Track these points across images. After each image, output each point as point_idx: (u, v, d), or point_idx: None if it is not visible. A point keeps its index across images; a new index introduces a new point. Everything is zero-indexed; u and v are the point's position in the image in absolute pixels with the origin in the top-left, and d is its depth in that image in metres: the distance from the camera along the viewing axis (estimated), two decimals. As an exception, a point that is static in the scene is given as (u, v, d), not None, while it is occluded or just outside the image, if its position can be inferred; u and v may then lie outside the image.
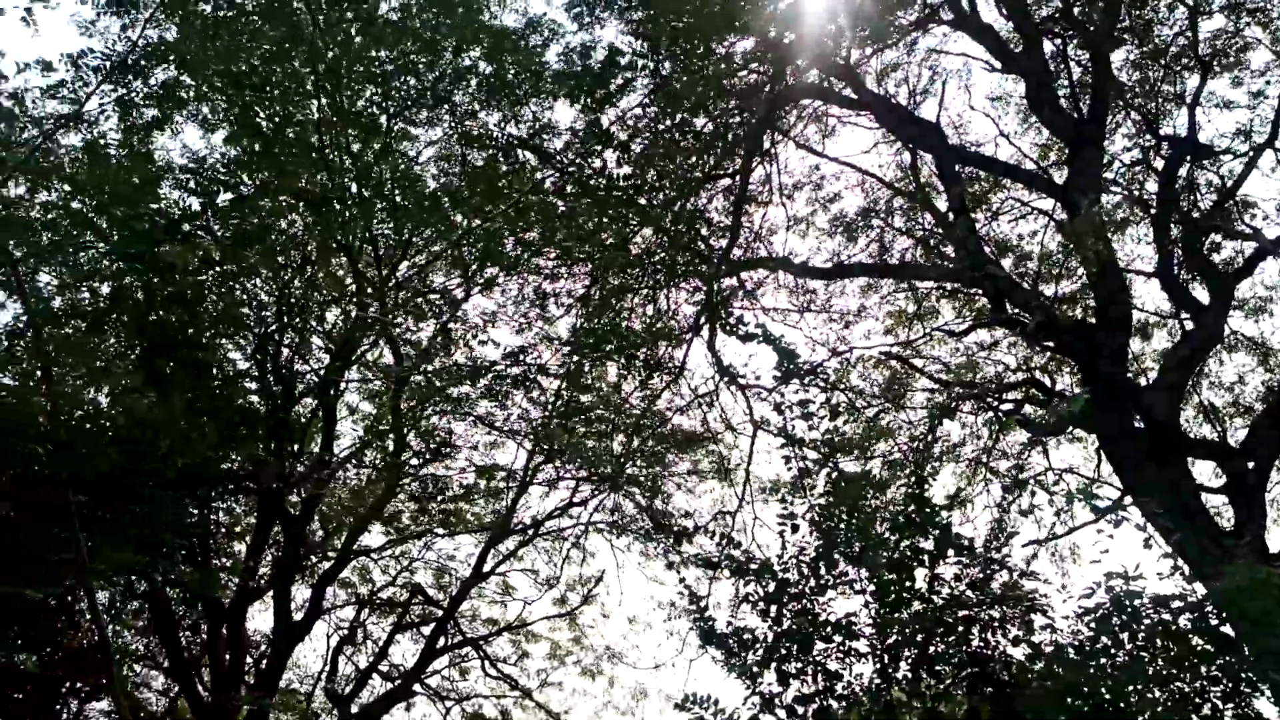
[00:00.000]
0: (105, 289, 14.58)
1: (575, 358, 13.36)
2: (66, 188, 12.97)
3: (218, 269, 13.33)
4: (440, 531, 17.79)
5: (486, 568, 17.68)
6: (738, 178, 13.69)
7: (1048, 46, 13.62)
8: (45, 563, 11.12)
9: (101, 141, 12.40)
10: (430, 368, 15.32)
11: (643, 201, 12.96)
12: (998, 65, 13.97)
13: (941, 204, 14.65)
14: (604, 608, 18.82)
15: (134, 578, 14.67)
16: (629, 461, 15.79)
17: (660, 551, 17.46)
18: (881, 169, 15.89)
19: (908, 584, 6.77)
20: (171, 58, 9.64)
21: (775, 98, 12.98)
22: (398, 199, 15.13)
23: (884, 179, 15.57)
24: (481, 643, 18.39)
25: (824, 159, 15.46)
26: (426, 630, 17.90)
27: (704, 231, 13.95)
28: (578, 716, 18.97)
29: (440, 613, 17.72)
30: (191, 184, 12.08)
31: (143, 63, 9.55)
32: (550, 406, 15.11)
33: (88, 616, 14.87)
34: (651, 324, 14.13)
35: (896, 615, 6.64)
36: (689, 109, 11.80)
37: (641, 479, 16.50)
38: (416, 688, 17.51)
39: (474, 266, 15.56)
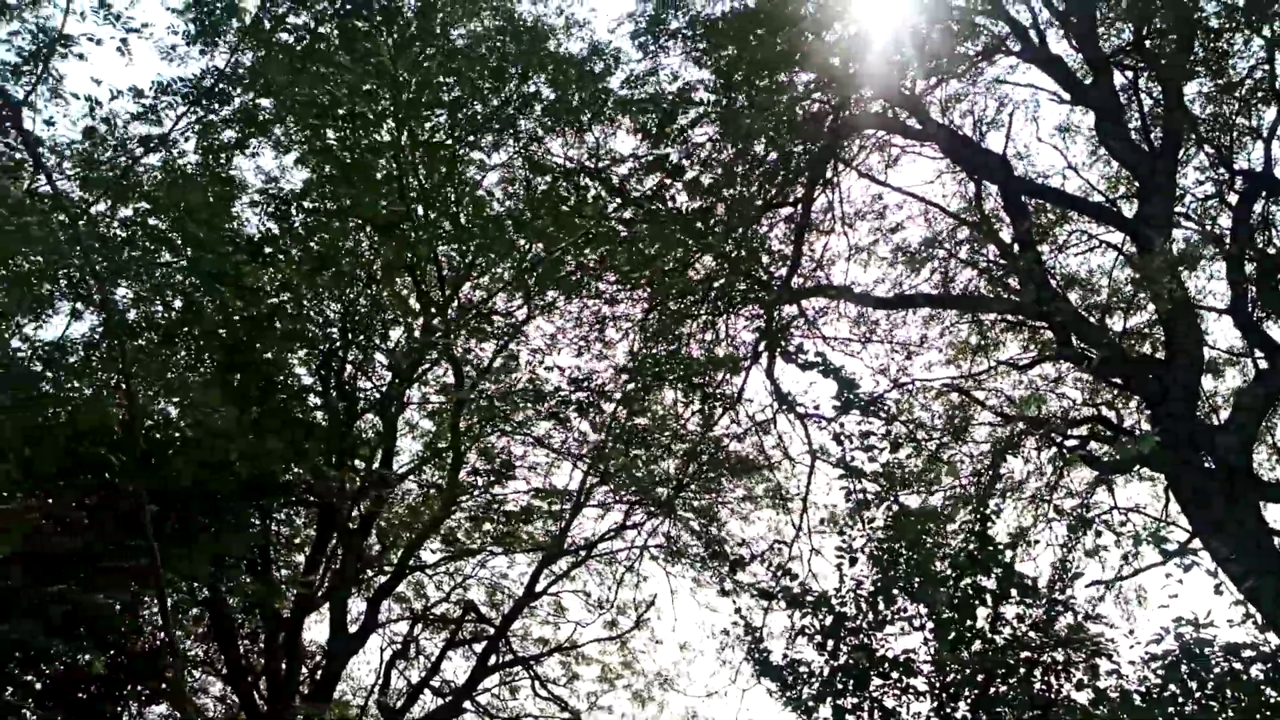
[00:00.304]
0: (177, 303, 15.05)
1: (633, 383, 13.41)
2: (145, 205, 13.47)
3: (291, 290, 13.66)
4: (495, 550, 17.92)
5: (539, 587, 17.77)
6: (800, 206, 13.69)
7: (1118, 78, 13.45)
8: (117, 569, 11.44)
9: (180, 162, 12.86)
10: (491, 388, 15.52)
11: (703, 227, 13.04)
12: (1066, 97, 13.82)
13: (1006, 235, 14.48)
14: (654, 633, 18.78)
15: (196, 585, 15.02)
16: (684, 487, 15.77)
17: (713, 579, 17.41)
18: (945, 199, 15.77)
19: (969, 623, 6.68)
20: (257, 83, 9.99)
21: (839, 127, 12.98)
22: (463, 221, 15.41)
23: (948, 210, 15.45)
24: (532, 662, 18.43)
25: (887, 188, 15.39)
26: (478, 648, 18.01)
27: (765, 259, 13.94)
28: (627, 741, 18.86)
29: (492, 631, 17.82)
30: (271, 208, 12.42)
31: (221, 87, 9.92)
32: (607, 430, 15.19)
33: (152, 621, 15.29)
34: (710, 350, 14.14)
35: (956, 654, 6.55)
36: (762, 140, 11.83)
37: (697, 504, 16.46)
38: (467, 705, 17.60)
39: (535, 289, 15.75)
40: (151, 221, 13.66)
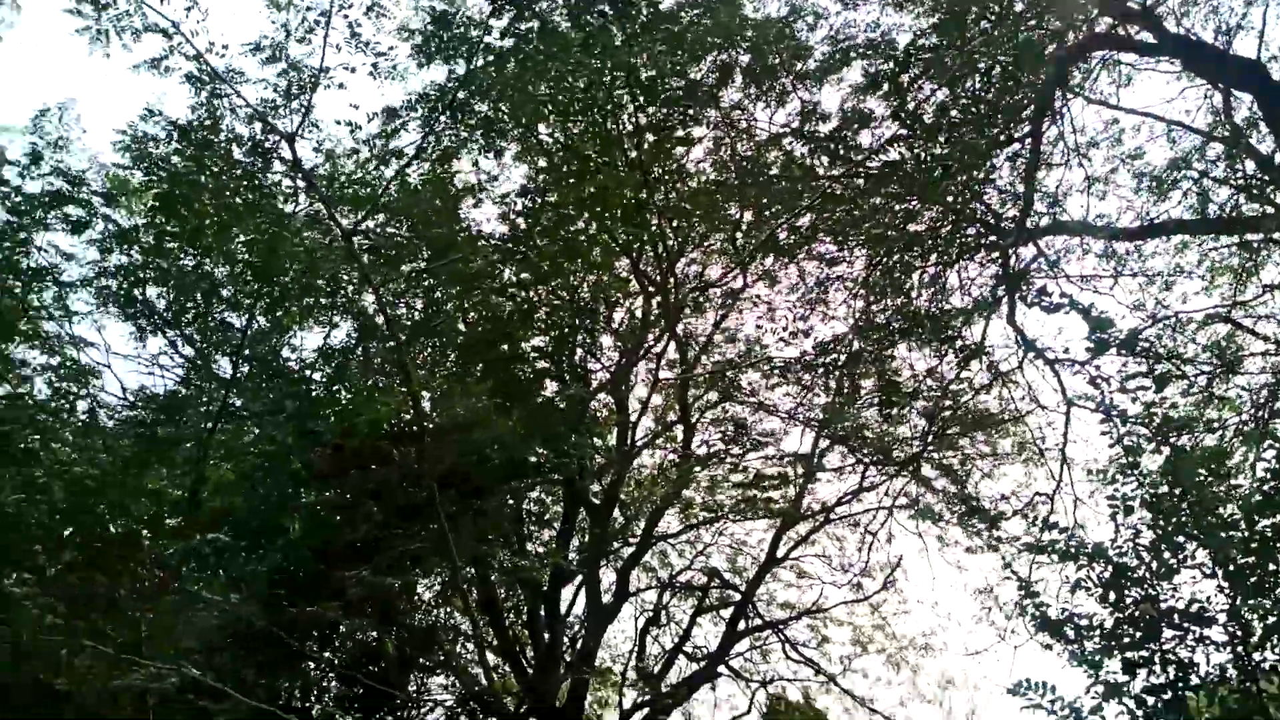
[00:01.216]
0: (418, 304, 16.20)
1: (863, 342, 13.22)
2: (382, 216, 14.59)
3: (533, 284, 14.34)
4: (733, 517, 18.18)
5: (779, 553, 17.91)
6: (1027, 142, 12.95)
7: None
8: (404, 553, 12.52)
9: (412, 171, 13.84)
10: (717, 358, 15.72)
11: (924, 177, 12.61)
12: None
13: (1265, 147, 13.13)
14: (903, 594, 18.45)
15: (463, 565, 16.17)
16: (927, 446, 15.40)
17: (958, 539, 16.95)
18: (1189, 116, 14.42)
19: (1270, 567, 6.21)
20: (489, 91, 10.58)
21: (1067, 53, 12.17)
22: (674, 197, 15.66)
23: (1194, 127, 14.15)
24: (780, 626, 18.58)
25: (1121, 111, 14.27)
26: (726, 613, 18.37)
27: (994, 201, 13.29)
28: (883, 704, 18.64)
29: (738, 596, 18.12)
30: (519, 206, 13.11)
31: (459, 98, 10.59)
32: (838, 391, 15.08)
33: (426, 601, 16.65)
34: (942, 302, 13.66)
35: (1258, 602, 6.12)
36: (994, 78, 11.27)
37: (942, 462, 16.04)
38: (721, 669, 18.01)
39: (748, 257, 15.83)
40: (389, 230, 14.82)
